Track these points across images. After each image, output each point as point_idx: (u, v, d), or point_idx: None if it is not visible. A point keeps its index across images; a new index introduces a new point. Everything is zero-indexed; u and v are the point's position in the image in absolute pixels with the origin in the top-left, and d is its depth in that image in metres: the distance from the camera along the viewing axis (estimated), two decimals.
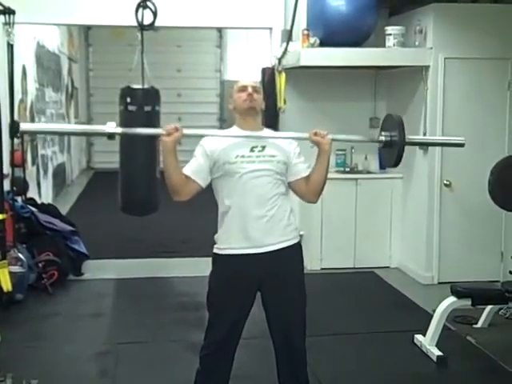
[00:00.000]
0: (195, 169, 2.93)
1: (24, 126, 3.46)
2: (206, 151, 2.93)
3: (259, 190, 2.88)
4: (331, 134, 2.96)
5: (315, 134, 2.93)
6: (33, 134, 7.47)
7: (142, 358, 4.13)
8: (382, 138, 3.09)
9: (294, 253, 2.99)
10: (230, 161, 2.88)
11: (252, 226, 2.87)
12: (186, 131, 2.87)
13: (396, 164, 3.08)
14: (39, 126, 3.56)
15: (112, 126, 2.80)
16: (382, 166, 6.54)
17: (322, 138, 2.92)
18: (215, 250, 2.99)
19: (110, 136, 2.82)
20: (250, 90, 2.95)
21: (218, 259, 2.98)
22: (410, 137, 3.10)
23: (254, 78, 3.17)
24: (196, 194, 2.96)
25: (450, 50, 5.64)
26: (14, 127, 5.51)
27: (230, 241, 2.92)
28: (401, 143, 3.01)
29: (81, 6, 6.06)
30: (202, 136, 3.00)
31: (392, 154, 3.07)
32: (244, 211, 2.88)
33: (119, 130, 2.87)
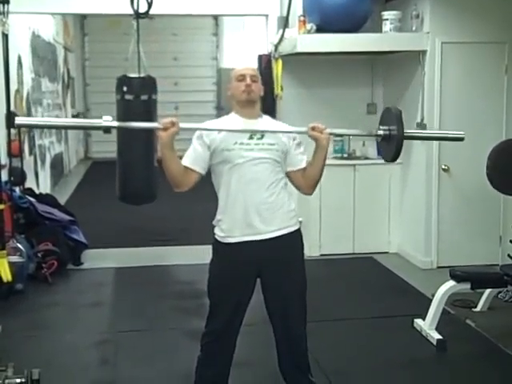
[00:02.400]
0: (193, 158, 2.93)
1: (19, 120, 3.42)
2: (205, 139, 2.92)
3: (258, 178, 2.88)
4: (329, 129, 2.93)
5: (313, 128, 2.90)
6: (29, 128, 7.45)
7: (142, 346, 4.14)
8: (381, 133, 3.05)
9: (294, 239, 2.99)
10: (229, 147, 2.88)
11: (252, 213, 2.87)
12: (183, 125, 2.83)
13: (394, 158, 3.06)
14: (35, 120, 3.52)
15: (108, 120, 2.79)
16: (380, 152, 6.55)
17: (320, 134, 2.90)
18: (216, 237, 2.98)
19: (106, 130, 2.81)
20: (248, 80, 2.93)
21: (219, 247, 2.98)
22: (408, 131, 3.08)
23: (252, 65, 3.14)
24: (197, 183, 2.96)
25: (447, 34, 5.62)
26: (10, 117, 5.51)
27: (231, 228, 2.91)
28: (399, 138, 2.99)
29: None
30: (198, 129, 2.99)
31: (390, 149, 3.04)
32: (243, 199, 2.88)
33: (115, 123, 2.85)
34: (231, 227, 2.92)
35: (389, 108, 3.19)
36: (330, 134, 2.93)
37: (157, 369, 3.85)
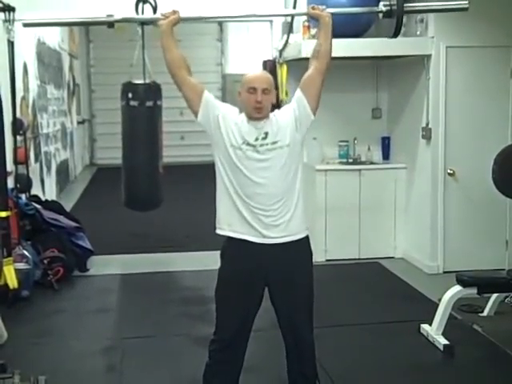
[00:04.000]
0: (212, 100, 2.94)
1: (27, 20, 3.49)
2: (220, 110, 2.91)
3: (264, 185, 2.84)
4: (329, 9, 3.04)
5: (313, 8, 3.03)
6: (34, 129, 7.46)
7: (148, 353, 4.14)
8: (382, 8, 3.13)
9: (301, 247, 2.96)
10: (235, 144, 2.85)
11: (256, 219, 2.85)
12: (184, 15, 2.97)
13: (396, 34, 3.11)
14: (41, 19, 3.60)
15: (111, 15, 2.90)
16: (385, 157, 6.55)
17: (320, 12, 3.01)
18: (217, 231, 2.94)
19: (110, 25, 2.91)
20: (259, 96, 2.85)
21: (225, 249, 2.95)
22: (409, 4, 3.13)
23: (265, 74, 3.05)
24: (189, 95, 2.95)
25: (452, 38, 5.62)
26: (16, 124, 5.53)
27: (234, 224, 2.88)
28: (400, 11, 3.05)
29: (81, 1, 6.04)
30: (200, 18, 3.11)
31: (392, 24, 3.11)
32: (248, 205, 2.85)
33: (118, 17, 2.95)
34: (233, 223, 2.88)
35: None
36: (332, 13, 3.03)
37: (163, 375, 3.84)
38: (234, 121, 2.90)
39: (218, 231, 2.95)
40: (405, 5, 3.07)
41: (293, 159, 2.91)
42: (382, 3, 3.13)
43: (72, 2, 6.01)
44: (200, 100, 2.93)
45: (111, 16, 2.93)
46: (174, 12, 2.95)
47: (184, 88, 2.97)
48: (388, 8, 3.09)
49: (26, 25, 3.49)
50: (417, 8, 3.62)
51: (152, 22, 5.36)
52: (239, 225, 2.88)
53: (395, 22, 3.08)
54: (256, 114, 2.87)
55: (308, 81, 3.01)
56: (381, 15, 3.16)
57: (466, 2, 3.21)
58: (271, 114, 2.97)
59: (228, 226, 2.91)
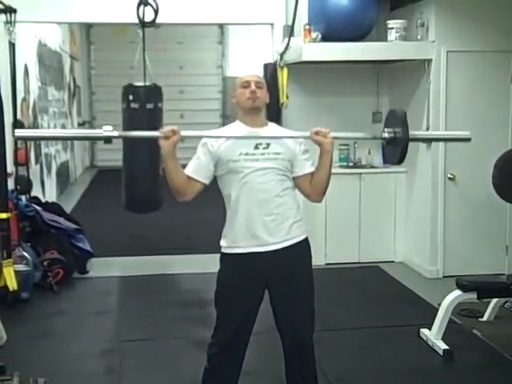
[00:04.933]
0: (197, 168, 2.92)
1: (19, 132, 3.39)
2: (209, 148, 2.91)
3: (264, 189, 2.85)
4: (333, 132, 2.90)
5: (316, 133, 2.87)
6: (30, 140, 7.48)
7: (147, 355, 4.13)
8: (386, 135, 3.02)
9: (301, 250, 2.96)
10: (234, 158, 2.86)
11: (257, 224, 2.86)
12: (184, 133, 2.81)
13: (400, 161, 3.03)
14: (34, 132, 3.54)
15: (108, 130, 2.78)
16: (386, 161, 6.54)
17: (323, 138, 2.87)
18: (222, 250, 2.97)
19: (107, 140, 2.80)
20: (252, 86, 2.90)
21: (225, 258, 2.97)
22: (413, 132, 3.04)
23: (257, 72, 3.12)
24: (200, 192, 2.96)
25: (453, 43, 5.62)
26: (17, 126, 5.53)
27: (236, 240, 2.90)
28: (405, 140, 2.95)
29: (82, 3, 6.05)
30: (200, 137, 2.98)
31: (396, 151, 3.01)
32: (249, 210, 2.86)
33: (115, 133, 2.84)
34: (236, 238, 2.90)
35: (393, 110, 3.17)
36: (334, 138, 2.90)
37: (162, 378, 3.84)
38: (223, 144, 2.89)
39: (224, 251, 2.96)
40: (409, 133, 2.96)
41: (289, 171, 2.94)
42: (386, 130, 3.04)
43: (71, 2, 6.00)
44: (196, 181, 2.91)
45: (108, 131, 2.77)
46: (174, 132, 2.77)
47: (198, 192, 2.96)
48: (392, 135, 3.00)
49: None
50: (421, 136, 3.55)
51: (153, 23, 5.40)
52: (243, 239, 2.88)
53: (400, 151, 2.98)
54: (251, 104, 2.90)
55: (303, 180, 2.97)
56: (384, 142, 3.05)
57: (468, 133, 3.17)
58: (272, 125, 3.01)
59: (231, 242, 2.92)
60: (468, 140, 3.20)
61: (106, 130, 2.77)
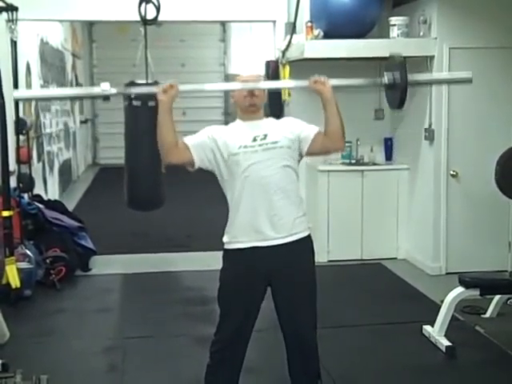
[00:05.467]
0: (196, 143, 2.92)
1: (18, 93, 3.47)
2: (211, 135, 2.93)
3: (266, 183, 2.86)
4: (331, 79, 2.95)
5: (315, 82, 2.91)
6: (37, 128, 7.48)
7: (149, 353, 4.13)
8: (385, 81, 3.07)
9: (304, 246, 2.97)
10: (233, 152, 2.87)
11: (260, 219, 2.86)
12: (182, 87, 2.86)
13: (400, 106, 3.06)
14: (34, 92, 3.62)
15: (106, 87, 2.83)
16: (388, 158, 6.54)
17: (322, 86, 2.90)
18: (225, 246, 2.98)
19: (105, 98, 2.85)
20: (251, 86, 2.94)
21: (228, 254, 2.97)
22: (413, 75, 3.10)
23: (256, 72, 3.15)
24: (187, 165, 2.94)
25: (455, 39, 5.61)
26: (19, 124, 5.53)
27: (238, 235, 2.91)
28: (404, 84, 3.00)
29: (84, 1, 6.05)
30: (199, 91, 3.03)
31: (395, 96, 3.06)
32: (251, 204, 2.87)
33: (114, 90, 2.89)
34: (238, 233, 2.91)
35: (392, 55, 3.20)
36: (333, 86, 2.94)
37: (164, 375, 3.85)
38: (225, 134, 2.93)
39: (227, 246, 2.96)
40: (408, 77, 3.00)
41: (293, 159, 2.94)
42: (386, 75, 3.06)
43: (75, 1, 6.00)
44: (190, 154, 2.91)
45: (106, 90, 2.82)
46: (172, 86, 2.83)
47: (184, 163, 2.96)
48: (391, 81, 3.02)
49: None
50: (420, 80, 3.58)
51: (155, 20, 5.39)
52: (245, 234, 2.88)
53: (399, 94, 3.01)
54: (249, 103, 2.91)
55: (313, 142, 2.96)
56: (384, 87, 3.10)
57: (470, 73, 3.19)
58: (270, 118, 3.01)
59: (233, 237, 2.92)
60: (469, 81, 3.20)
61: (104, 88, 2.81)
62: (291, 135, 2.94)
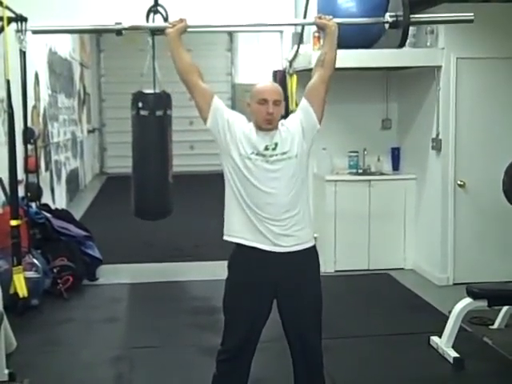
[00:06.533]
0: (221, 107, 2.94)
1: (34, 26, 3.61)
2: (232, 120, 2.91)
3: (274, 195, 2.84)
4: (336, 18, 3.10)
5: (320, 17, 3.09)
6: (44, 138, 7.51)
7: (156, 363, 4.13)
8: (388, 19, 3.20)
9: (309, 256, 2.95)
10: (243, 154, 2.85)
11: (265, 228, 2.85)
12: (191, 22, 3.04)
13: (402, 44, 3.19)
14: (49, 26, 3.71)
15: (119, 23, 2.98)
16: (395, 168, 6.53)
17: (327, 21, 3.07)
18: (225, 237, 2.93)
19: (118, 32, 2.98)
20: (270, 108, 2.85)
21: (232, 258, 2.94)
22: (415, 16, 3.23)
23: (275, 85, 3.04)
24: (200, 93, 3.00)
25: (462, 49, 5.61)
26: (27, 133, 5.55)
27: (242, 231, 2.87)
28: (406, 22, 3.12)
29: (92, 12, 6.09)
30: (207, 27, 3.20)
31: (398, 34, 3.19)
32: (257, 214, 2.85)
33: (125, 25, 3.03)
34: (242, 229, 2.87)
35: None
36: (338, 23, 3.09)
37: None
38: (241, 129, 2.91)
39: (226, 238, 2.93)
40: (411, 16, 3.12)
41: (301, 169, 2.93)
42: (388, 14, 3.19)
43: (81, 11, 6.05)
44: (209, 107, 2.94)
45: (120, 24, 3.02)
46: (181, 20, 3.03)
47: (194, 94, 3.01)
48: (394, 19, 3.16)
49: (34, 32, 3.59)
50: (422, 19, 3.68)
51: (161, 30, 5.41)
52: (249, 233, 2.87)
53: (401, 33, 3.16)
54: (267, 125, 2.88)
55: (312, 90, 3.05)
56: (387, 26, 3.22)
57: (472, 14, 3.33)
58: (279, 124, 2.98)
59: (237, 232, 2.90)
60: (470, 21, 3.38)
61: (117, 23, 2.96)
62: (300, 136, 2.93)
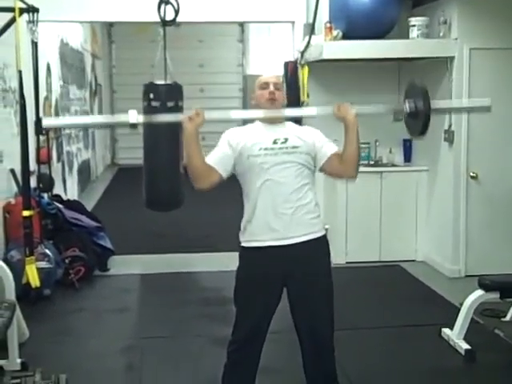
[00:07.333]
0: (218, 158, 2.93)
1: (46, 121, 3.52)
2: (230, 142, 2.94)
3: (283, 183, 2.87)
4: (355, 107, 2.95)
5: (339, 108, 2.92)
6: (56, 129, 7.53)
7: (167, 353, 4.15)
8: (407, 109, 3.05)
9: (319, 246, 2.97)
10: (254, 153, 2.89)
11: (277, 219, 2.87)
12: (208, 115, 2.83)
13: (422, 133, 3.04)
14: (61, 121, 3.65)
15: (134, 115, 2.82)
16: (407, 159, 6.50)
17: (346, 114, 2.91)
18: (242, 244, 2.99)
19: (132, 126, 2.84)
20: (271, 87, 2.98)
21: (245, 253, 2.98)
22: (435, 103, 3.07)
23: (275, 73, 3.18)
24: (217, 184, 2.95)
25: (475, 40, 5.57)
26: (39, 124, 5.57)
27: (255, 232, 2.91)
28: (426, 112, 2.97)
29: (103, 2, 6.09)
30: (225, 119, 3.03)
31: (418, 124, 3.04)
32: (269, 205, 2.87)
33: (140, 118, 2.89)
34: (255, 231, 2.92)
35: (413, 82, 3.17)
36: (357, 114, 2.94)
37: (182, 375, 3.86)
38: (245, 136, 2.94)
39: (244, 244, 2.97)
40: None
41: (309, 163, 2.96)
42: (407, 102, 3.04)
43: (94, 2, 6.05)
44: (215, 171, 2.91)
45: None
46: (198, 114, 2.79)
47: (215, 183, 2.96)
48: (413, 109, 3.01)
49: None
50: (443, 107, 3.56)
51: (174, 21, 5.41)
52: (261, 233, 2.89)
53: (421, 123, 3.01)
54: (270, 105, 2.96)
55: (331, 161, 2.98)
56: (405, 115, 3.08)
57: (488, 100, 3.22)
58: (289, 123, 3.04)
59: (250, 236, 2.93)
60: (488, 109, 3.25)
61: (132, 116, 2.80)
62: (311, 145, 2.97)
